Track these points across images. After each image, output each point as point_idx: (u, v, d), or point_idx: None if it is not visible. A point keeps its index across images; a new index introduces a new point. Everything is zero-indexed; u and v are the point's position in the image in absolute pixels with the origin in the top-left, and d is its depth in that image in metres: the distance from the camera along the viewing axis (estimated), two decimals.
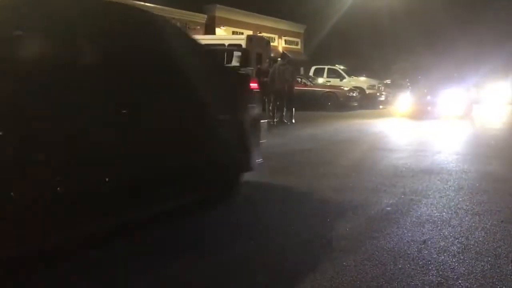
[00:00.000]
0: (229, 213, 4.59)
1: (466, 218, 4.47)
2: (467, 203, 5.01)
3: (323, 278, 3.09)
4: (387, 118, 15.96)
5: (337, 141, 10.09)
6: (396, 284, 3.03)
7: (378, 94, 24.61)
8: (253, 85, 5.14)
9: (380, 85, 25.39)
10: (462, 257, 3.49)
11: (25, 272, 2.98)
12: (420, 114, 15.44)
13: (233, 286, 2.99)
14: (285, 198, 5.18)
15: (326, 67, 25.95)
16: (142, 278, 3.03)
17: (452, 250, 3.63)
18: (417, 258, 3.47)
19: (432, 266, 3.33)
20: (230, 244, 3.70)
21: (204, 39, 20.50)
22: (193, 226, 4.10)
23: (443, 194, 5.42)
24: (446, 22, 37.60)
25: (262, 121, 5.43)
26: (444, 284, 3.05)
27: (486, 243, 3.81)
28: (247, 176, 5.16)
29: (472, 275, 3.19)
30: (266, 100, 13.84)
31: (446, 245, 3.75)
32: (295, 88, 14.42)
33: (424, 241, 3.83)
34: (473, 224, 4.29)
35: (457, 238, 3.90)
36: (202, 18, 32.16)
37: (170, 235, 3.80)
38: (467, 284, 3.06)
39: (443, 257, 3.49)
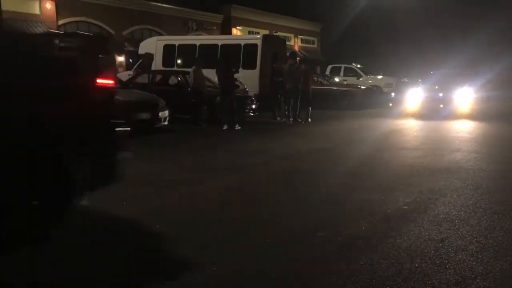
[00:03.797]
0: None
1: (485, 217, 4.42)
2: (486, 202, 4.95)
3: (339, 277, 3.09)
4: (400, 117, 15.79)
5: (353, 140, 10.03)
6: (412, 283, 3.02)
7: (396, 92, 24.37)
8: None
9: (392, 83, 25.11)
10: (480, 256, 3.45)
11: None
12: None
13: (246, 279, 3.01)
14: (301, 197, 5.18)
15: (343, 65, 25.81)
16: None
17: (470, 249, 3.60)
18: (434, 257, 3.44)
19: (449, 265, 3.30)
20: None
21: (219, 39, 20.63)
22: None
23: (461, 192, 5.36)
24: (462, 18, 37.14)
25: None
26: (462, 283, 3.02)
27: (505, 242, 3.76)
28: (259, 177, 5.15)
29: (490, 274, 3.15)
30: (282, 99, 13.85)
31: (464, 244, 3.71)
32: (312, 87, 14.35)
33: (442, 240, 3.79)
34: (492, 223, 4.24)
35: (475, 237, 3.86)
36: (218, 18, 32.29)
37: None
38: (485, 283, 3.03)
39: (460, 256, 3.46)
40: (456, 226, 4.14)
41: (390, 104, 19.15)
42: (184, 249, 3.57)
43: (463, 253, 3.51)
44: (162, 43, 19.55)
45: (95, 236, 3.84)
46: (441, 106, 14.86)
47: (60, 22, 23.84)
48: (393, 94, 22.04)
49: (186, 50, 18.87)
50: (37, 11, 22.50)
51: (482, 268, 3.25)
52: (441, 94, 15.33)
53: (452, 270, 3.21)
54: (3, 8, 15.21)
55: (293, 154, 8.04)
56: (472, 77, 16.30)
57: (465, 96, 14.93)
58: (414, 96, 15.83)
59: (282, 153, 8.11)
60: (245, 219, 4.35)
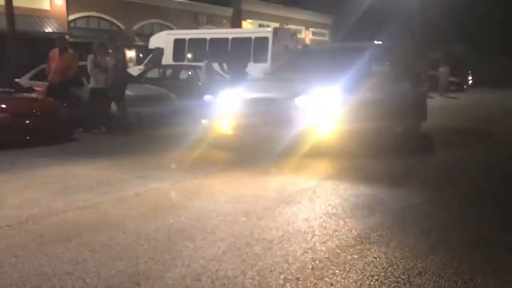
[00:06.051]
0: None
1: (500, 209, 4.37)
2: (501, 193, 4.89)
3: (353, 270, 3.06)
4: None
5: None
6: (427, 276, 2.98)
7: None
8: None
9: None
10: (496, 250, 3.40)
11: None
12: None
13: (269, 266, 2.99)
14: (314, 189, 5.14)
15: None
16: None
17: (486, 243, 3.55)
18: (449, 250, 3.40)
19: (465, 258, 3.25)
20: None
21: (230, 32, 20.57)
22: None
23: (475, 185, 5.30)
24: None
25: None
26: (478, 276, 2.98)
27: None
28: None
29: (504, 268, 3.10)
30: None
31: (480, 238, 3.66)
32: None
33: (458, 233, 3.75)
34: (507, 216, 4.18)
35: (490, 231, 3.81)
36: (228, 11, 32.21)
37: None
38: (500, 276, 2.98)
39: (476, 250, 3.41)
40: (473, 219, 4.09)
41: (203, 121, 9.16)
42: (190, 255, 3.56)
43: (479, 247, 3.46)
44: (172, 37, 19.57)
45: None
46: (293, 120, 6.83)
47: (70, 17, 23.96)
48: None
49: (196, 44, 18.87)
50: (47, 7, 22.63)
51: (497, 261, 3.20)
52: (297, 100, 6.97)
53: (467, 264, 3.16)
54: (14, 4, 15.30)
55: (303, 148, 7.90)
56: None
57: (329, 103, 6.89)
58: (233, 102, 7.59)
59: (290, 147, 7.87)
60: (254, 210, 4.33)
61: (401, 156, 7.04)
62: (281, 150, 6.77)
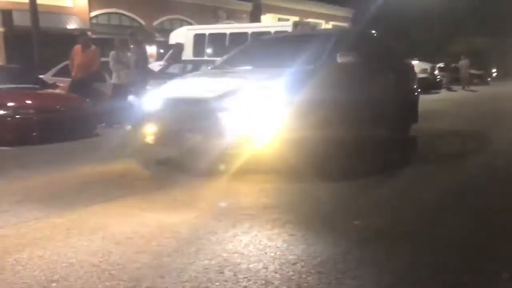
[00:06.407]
0: None
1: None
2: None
3: (375, 264, 3.05)
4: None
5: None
6: (450, 272, 2.95)
7: (431, 78, 24.29)
8: None
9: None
10: None
11: None
12: None
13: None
14: (334, 183, 5.13)
15: None
16: None
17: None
18: (474, 244, 3.36)
19: (492, 252, 3.20)
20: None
21: (249, 27, 20.51)
22: None
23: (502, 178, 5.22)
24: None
25: None
26: (505, 270, 2.93)
27: None
28: None
29: None
30: None
31: (506, 232, 3.61)
32: None
33: (482, 227, 3.70)
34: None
35: None
36: (247, 6, 32.17)
37: None
38: None
39: (503, 244, 3.36)
40: (498, 215, 4.03)
41: (128, 127, 9.09)
42: None
43: (505, 241, 3.41)
44: (192, 33, 19.63)
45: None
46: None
47: (92, 14, 24.26)
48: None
49: (216, 39, 18.89)
50: (70, 4, 22.96)
51: None
52: (228, 101, 5.38)
53: (498, 258, 3.11)
54: (38, 1, 15.56)
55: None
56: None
57: (267, 103, 5.29)
58: (157, 104, 6.02)
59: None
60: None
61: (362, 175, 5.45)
62: (200, 168, 5.46)
